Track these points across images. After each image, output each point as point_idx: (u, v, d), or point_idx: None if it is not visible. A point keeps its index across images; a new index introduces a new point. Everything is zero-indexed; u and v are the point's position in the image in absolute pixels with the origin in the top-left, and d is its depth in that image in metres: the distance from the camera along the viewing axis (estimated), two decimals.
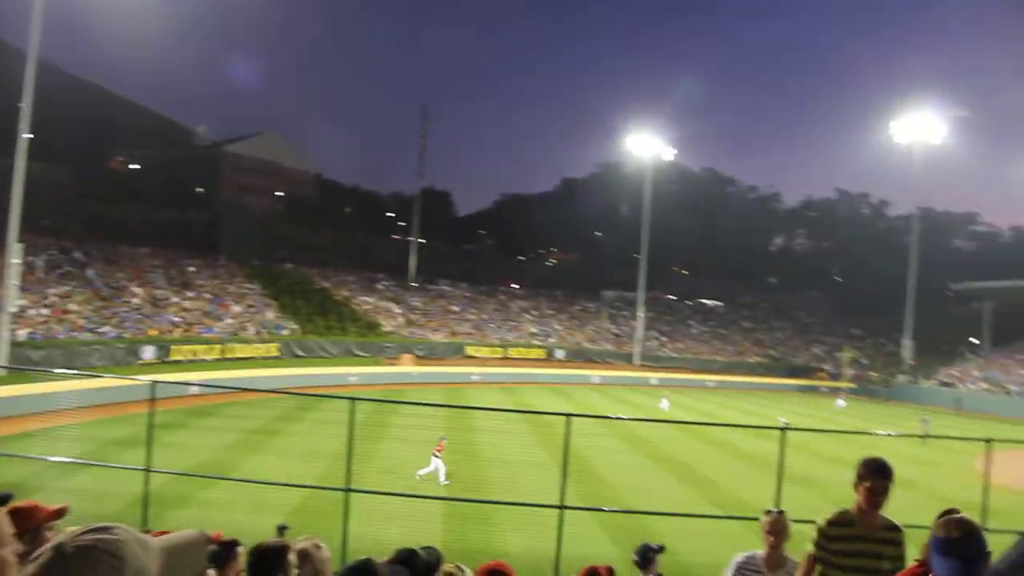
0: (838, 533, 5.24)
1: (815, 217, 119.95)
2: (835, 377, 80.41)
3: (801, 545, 6.46)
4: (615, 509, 19.05)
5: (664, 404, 50.25)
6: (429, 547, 6.35)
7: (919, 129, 79.00)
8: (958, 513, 3.87)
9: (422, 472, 22.37)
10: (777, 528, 6.25)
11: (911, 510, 5.78)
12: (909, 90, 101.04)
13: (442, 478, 22.26)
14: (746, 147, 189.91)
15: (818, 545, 5.30)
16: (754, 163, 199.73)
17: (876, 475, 5.22)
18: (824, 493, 22.20)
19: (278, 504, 16.61)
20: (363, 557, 4.32)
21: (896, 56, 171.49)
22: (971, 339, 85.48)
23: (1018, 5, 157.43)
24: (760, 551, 6.27)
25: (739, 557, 6.27)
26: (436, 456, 22.66)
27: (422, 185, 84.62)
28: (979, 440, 13.58)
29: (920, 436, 33.79)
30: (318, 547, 4.91)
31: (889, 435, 37.78)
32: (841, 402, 60.87)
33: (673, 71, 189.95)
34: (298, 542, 4.93)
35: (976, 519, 11.14)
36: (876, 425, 47.58)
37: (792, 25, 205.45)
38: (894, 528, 5.32)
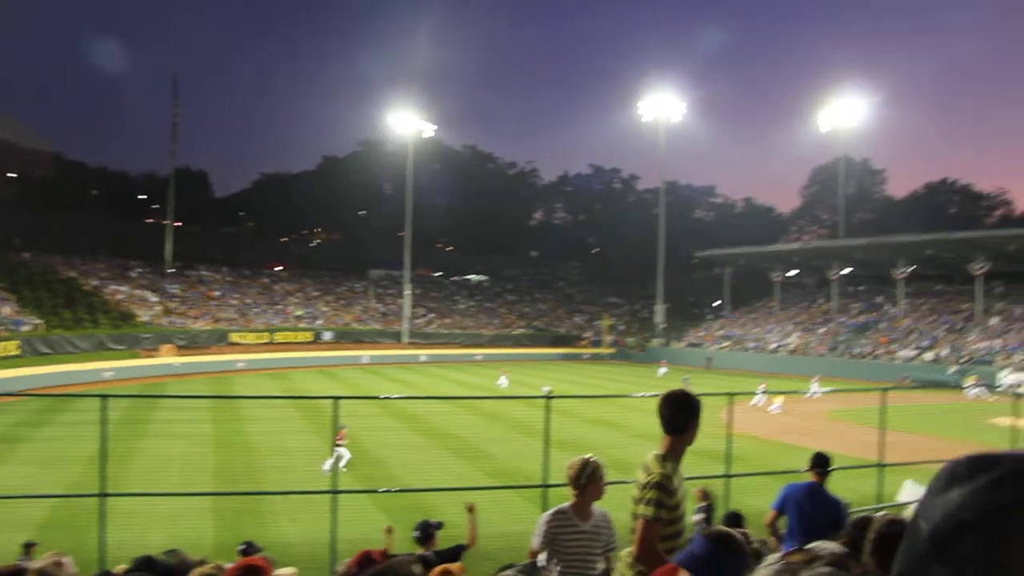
0: (674, 485, 4.84)
1: (571, 192, 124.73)
2: (596, 344, 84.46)
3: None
4: (391, 489, 19.05)
5: (503, 382, 50.35)
6: (172, 551, 6.03)
7: (662, 108, 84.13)
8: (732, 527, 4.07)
9: (342, 465, 21.36)
10: (589, 476, 5.87)
11: None
12: (653, 71, 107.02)
13: (327, 466, 21.35)
14: (504, 125, 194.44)
15: (661, 504, 4.72)
16: (513, 140, 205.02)
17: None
18: (592, 454, 23.26)
19: (24, 519, 15.23)
20: (99, 571, 4.03)
21: (641, 37, 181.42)
22: (714, 302, 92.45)
23: None
24: (567, 503, 5.93)
25: (546, 516, 5.89)
26: (339, 446, 21.69)
27: (176, 165, 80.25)
28: (723, 395, 14.60)
29: None
30: (59, 564, 4.51)
31: (653, 395, 40.05)
32: (663, 369, 62.85)
33: (429, 48, 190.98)
34: (40, 560, 4.53)
35: (722, 465, 11.93)
36: (639, 387, 50.39)
37: (542, 6, 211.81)
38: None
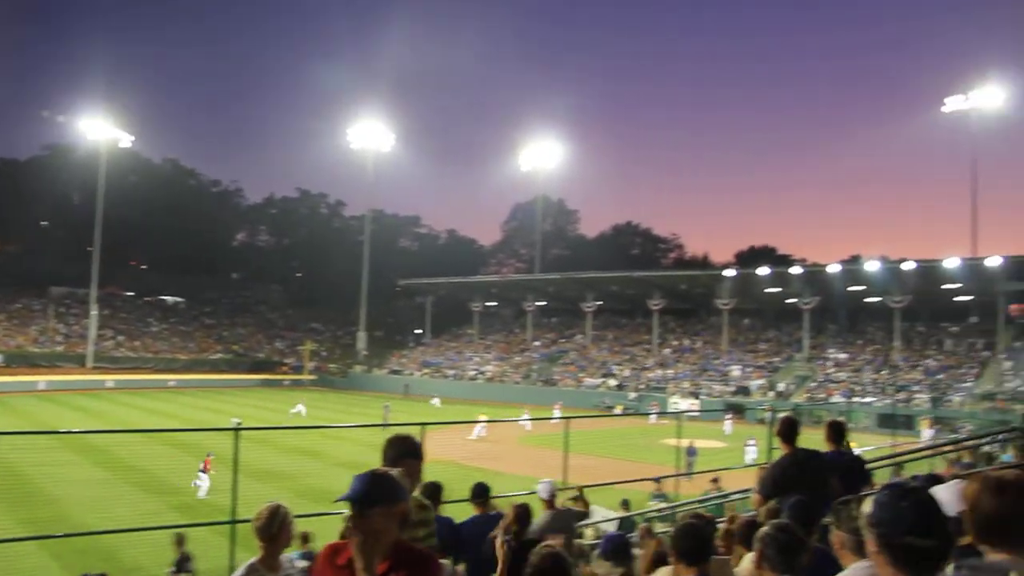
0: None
1: (277, 214, 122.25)
2: (297, 370, 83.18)
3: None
4: (65, 533, 17.78)
5: (299, 409, 48.33)
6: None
7: (372, 136, 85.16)
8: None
9: (201, 494, 23.15)
10: (280, 525, 5.45)
11: None
12: (363, 98, 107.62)
13: (202, 492, 23.19)
14: (209, 141, 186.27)
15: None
16: (217, 157, 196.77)
17: None
18: (290, 486, 23.09)
19: None
20: None
21: (352, 60, 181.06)
22: (416, 330, 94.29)
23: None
24: (256, 559, 5.45)
25: (238, 572, 5.60)
26: (203, 472, 23.52)
27: None
28: (418, 425, 14.93)
29: (383, 424, 36.28)
30: None
31: (357, 426, 40.13)
32: (435, 400, 62.15)
33: (132, 55, 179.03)
34: None
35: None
36: (343, 415, 50.32)
37: (250, 20, 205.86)
38: None
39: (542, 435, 38.10)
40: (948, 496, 3.84)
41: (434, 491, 7.82)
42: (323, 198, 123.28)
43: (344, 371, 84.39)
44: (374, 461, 5.67)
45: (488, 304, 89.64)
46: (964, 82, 67.24)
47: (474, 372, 77.34)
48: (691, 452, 27.42)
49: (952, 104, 66.74)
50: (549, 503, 9.69)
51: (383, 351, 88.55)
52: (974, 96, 64.84)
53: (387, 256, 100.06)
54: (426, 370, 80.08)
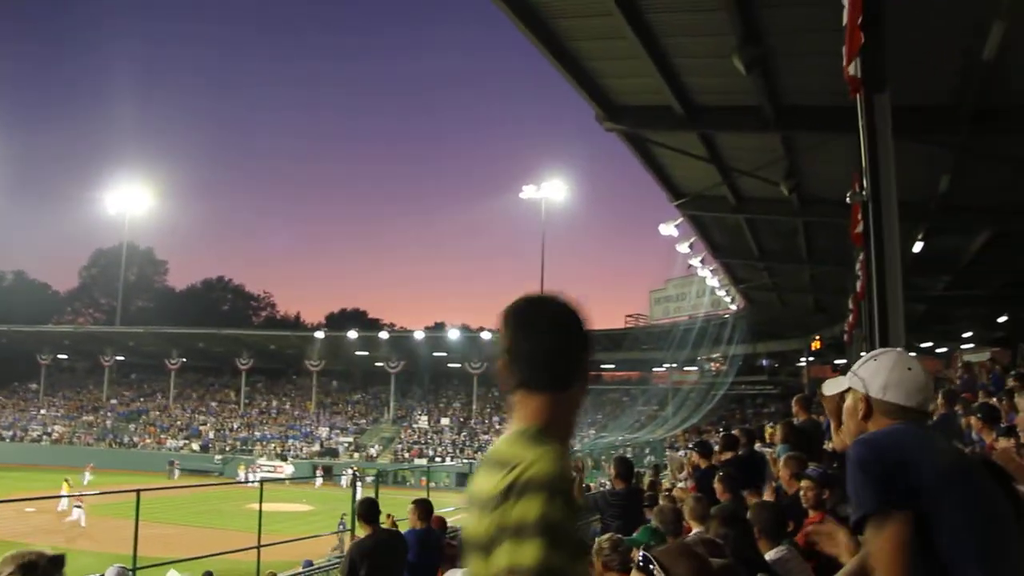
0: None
1: None
2: None
3: None
4: None
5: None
6: None
7: None
8: None
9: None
10: None
11: None
12: None
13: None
14: None
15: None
16: None
17: None
18: None
19: None
20: None
21: None
22: None
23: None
24: None
25: None
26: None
27: None
28: None
29: None
30: None
31: None
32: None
33: None
34: None
35: None
36: None
37: None
38: None
39: (114, 503, 35.43)
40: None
41: None
42: None
43: None
44: None
45: (59, 357, 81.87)
46: (537, 174, 75.28)
47: (38, 433, 70.17)
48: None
49: (527, 192, 74.06)
50: None
51: None
52: (544, 187, 72.61)
53: None
54: None
